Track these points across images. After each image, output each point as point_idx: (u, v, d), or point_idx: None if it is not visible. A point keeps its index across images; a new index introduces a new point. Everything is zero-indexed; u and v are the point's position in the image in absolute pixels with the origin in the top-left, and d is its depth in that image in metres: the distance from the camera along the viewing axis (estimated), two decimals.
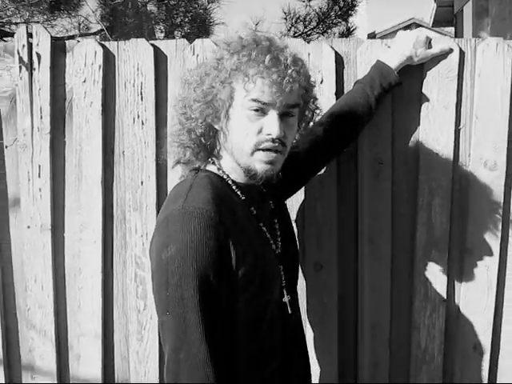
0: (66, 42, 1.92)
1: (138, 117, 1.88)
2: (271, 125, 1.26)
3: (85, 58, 1.88)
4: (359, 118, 1.70)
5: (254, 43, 1.27)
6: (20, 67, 1.90)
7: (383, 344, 1.88)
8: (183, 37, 8.63)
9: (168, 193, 1.88)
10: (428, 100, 1.80)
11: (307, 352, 1.57)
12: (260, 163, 1.28)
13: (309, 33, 6.39)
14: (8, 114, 1.96)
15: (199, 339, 1.16)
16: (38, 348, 1.99)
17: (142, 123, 1.87)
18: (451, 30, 15.89)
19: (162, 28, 8.77)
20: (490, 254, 1.82)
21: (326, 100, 1.80)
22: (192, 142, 1.35)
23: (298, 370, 1.48)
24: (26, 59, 1.89)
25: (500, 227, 1.81)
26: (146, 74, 1.86)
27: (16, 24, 7.92)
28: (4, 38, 7.57)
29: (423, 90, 1.80)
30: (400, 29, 20.30)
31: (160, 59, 1.87)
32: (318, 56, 1.81)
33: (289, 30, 6.39)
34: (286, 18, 6.44)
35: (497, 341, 1.87)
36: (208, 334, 1.17)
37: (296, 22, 6.36)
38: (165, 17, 8.42)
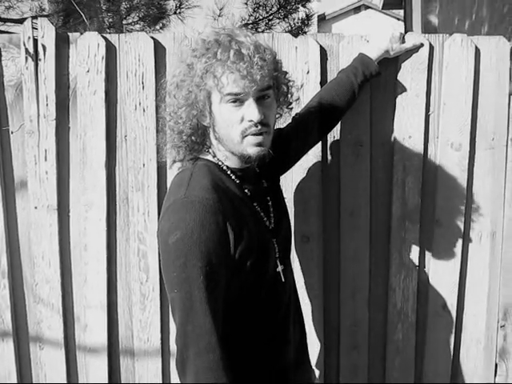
0: (70, 34, 2.04)
1: (140, 104, 2.03)
2: (250, 112, 1.38)
3: (88, 49, 2.02)
4: (344, 101, 1.89)
5: (216, 43, 1.39)
6: (26, 58, 2.02)
7: (363, 306, 2.11)
8: (140, 19, 8.62)
9: (167, 175, 2.05)
10: (402, 89, 2.02)
11: (302, 317, 1.75)
12: (251, 147, 1.42)
13: (270, 18, 6.57)
14: (13, 101, 2.08)
15: (203, 313, 1.32)
16: (45, 320, 2.14)
17: (144, 110, 2.03)
18: (400, 12, 16.27)
19: (115, 10, 8.70)
20: (456, 224, 2.07)
21: (311, 88, 2.01)
22: (183, 142, 1.49)
23: (295, 333, 1.65)
24: (31, 51, 2.01)
25: (464, 201, 2.06)
26: (146, 64, 2.02)
27: None
28: None
29: (398, 80, 2.02)
30: (349, 10, 20.66)
31: (159, 51, 2.03)
32: (304, 49, 2.00)
33: (250, 16, 6.54)
34: (246, 3, 6.58)
35: (462, 301, 2.13)
36: (211, 308, 1.33)
37: (257, 7, 6.52)
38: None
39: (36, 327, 2.16)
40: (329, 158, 2.07)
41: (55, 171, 2.07)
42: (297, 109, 1.88)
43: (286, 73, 1.54)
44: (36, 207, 2.09)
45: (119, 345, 2.17)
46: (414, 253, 2.09)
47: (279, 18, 6.56)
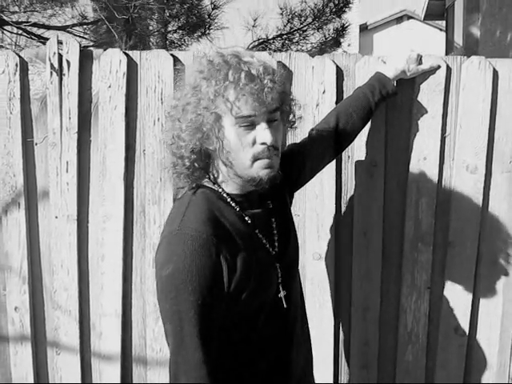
0: (93, 50, 2.11)
1: (159, 119, 2.09)
2: (264, 135, 1.35)
3: (110, 65, 2.08)
4: (361, 117, 1.88)
5: (226, 64, 1.35)
6: (51, 73, 2.09)
7: (373, 326, 2.12)
8: (179, 28, 8.76)
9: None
10: (418, 110, 2.02)
11: (309, 341, 1.71)
12: (261, 170, 1.39)
13: (304, 29, 6.60)
14: (38, 114, 2.16)
15: (193, 347, 1.32)
16: (62, 326, 2.21)
17: (162, 125, 2.08)
18: (443, 22, 16.13)
19: (158, 18, 8.88)
20: (470, 247, 2.05)
21: (327, 107, 2.02)
22: (186, 168, 1.44)
23: (298, 361, 1.61)
24: (56, 66, 2.09)
25: (479, 224, 2.05)
26: (166, 81, 2.07)
27: (13, 13, 8.01)
28: (3, 27, 7.68)
29: (414, 101, 2.02)
30: (392, 20, 20.53)
31: (179, 68, 2.08)
32: (321, 69, 2.03)
33: (285, 26, 6.59)
34: (282, 14, 6.63)
35: (474, 325, 2.11)
36: (202, 342, 1.33)
37: (292, 17, 6.56)
38: (159, 8, 8.50)
39: (53, 333, 2.23)
40: (343, 176, 2.08)
41: (76, 182, 2.14)
42: (312, 124, 1.92)
43: (291, 93, 1.53)
44: (57, 217, 2.16)
45: (132, 353, 2.22)
46: (426, 274, 2.08)
47: (314, 29, 6.58)
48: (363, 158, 2.06)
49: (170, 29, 8.33)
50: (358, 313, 2.12)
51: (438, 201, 2.06)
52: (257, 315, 1.47)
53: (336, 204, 2.08)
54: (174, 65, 2.07)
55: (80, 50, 2.09)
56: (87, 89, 2.12)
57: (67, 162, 2.13)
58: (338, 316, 2.13)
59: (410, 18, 19.93)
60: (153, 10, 8.47)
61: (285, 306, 1.52)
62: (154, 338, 2.18)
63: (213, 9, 7.22)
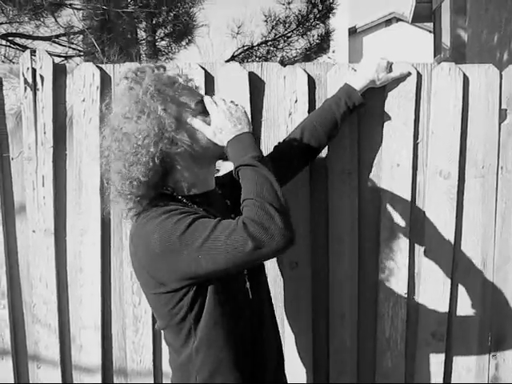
0: (67, 64, 2.13)
1: None
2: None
3: (84, 79, 2.09)
4: (325, 131, 1.90)
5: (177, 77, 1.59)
6: (25, 88, 2.10)
7: (351, 332, 2.12)
8: (166, 35, 8.78)
9: None
10: (389, 117, 2.04)
11: (278, 334, 1.77)
12: None
13: (289, 35, 6.62)
14: (14, 129, 2.16)
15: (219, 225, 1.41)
16: (43, 340, 2.21)
17: None
18: (431, 25, 16.21)
19: (145, 27, 8.90)
20: (446, 253, 2.07)
21: (299, 117, 2.03)
22: (145, 186, 1.53)
23: (270, 352, 1.69)
24: (30, 81, 2.09)
25: (454, 229, 2.06)
26: None
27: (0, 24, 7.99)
28: None
29: (385, 109, 2.04)
30: (381, 23, 20.59)
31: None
32: (292, 78, 2.04)
33: (269, 33, 6.61)
34: (266, 21, 6.65)
35: (452, 329, 2.12)
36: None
37: (276, 24, 6.59)
38: (146, 16, 8.51)
39: (34, 346, 2.23)
40: (317, 184, 2.09)
41: (52, 196, 2.14)
42: (285, 133, 1.93)
43: None
44: (34, 231, 2.16)
45: (113, 365, 2.22)
46: (403, 280, 2.09)
47: (298, 35, 6.61)
48: (337, 166, 2.07)
49: (156, 37, 8.34)
50: (335, 319, 2.12)
51: (412, 207, 2.07)
52: (232, 302, 1.57)
53: (311, 211, 2.09)
54: None
55: (53, 65, 2.10)
56: (61, 103, 2.13)
57: (43, 176, 2.14)
58: (316, 323, 2.13)
59: (398, 20, 20.00)
60: (139, 19, 8.48)
61: (250, 296, 1.62)
62: (134, 350, 2.18)
63: (190, 8, 7.30)
